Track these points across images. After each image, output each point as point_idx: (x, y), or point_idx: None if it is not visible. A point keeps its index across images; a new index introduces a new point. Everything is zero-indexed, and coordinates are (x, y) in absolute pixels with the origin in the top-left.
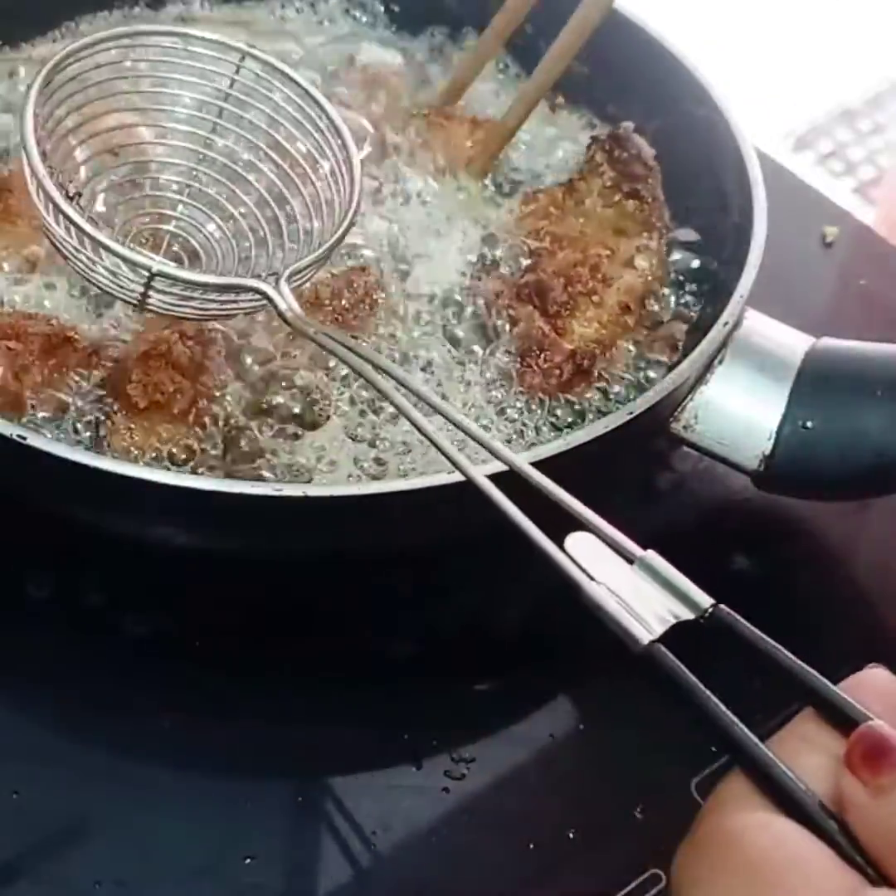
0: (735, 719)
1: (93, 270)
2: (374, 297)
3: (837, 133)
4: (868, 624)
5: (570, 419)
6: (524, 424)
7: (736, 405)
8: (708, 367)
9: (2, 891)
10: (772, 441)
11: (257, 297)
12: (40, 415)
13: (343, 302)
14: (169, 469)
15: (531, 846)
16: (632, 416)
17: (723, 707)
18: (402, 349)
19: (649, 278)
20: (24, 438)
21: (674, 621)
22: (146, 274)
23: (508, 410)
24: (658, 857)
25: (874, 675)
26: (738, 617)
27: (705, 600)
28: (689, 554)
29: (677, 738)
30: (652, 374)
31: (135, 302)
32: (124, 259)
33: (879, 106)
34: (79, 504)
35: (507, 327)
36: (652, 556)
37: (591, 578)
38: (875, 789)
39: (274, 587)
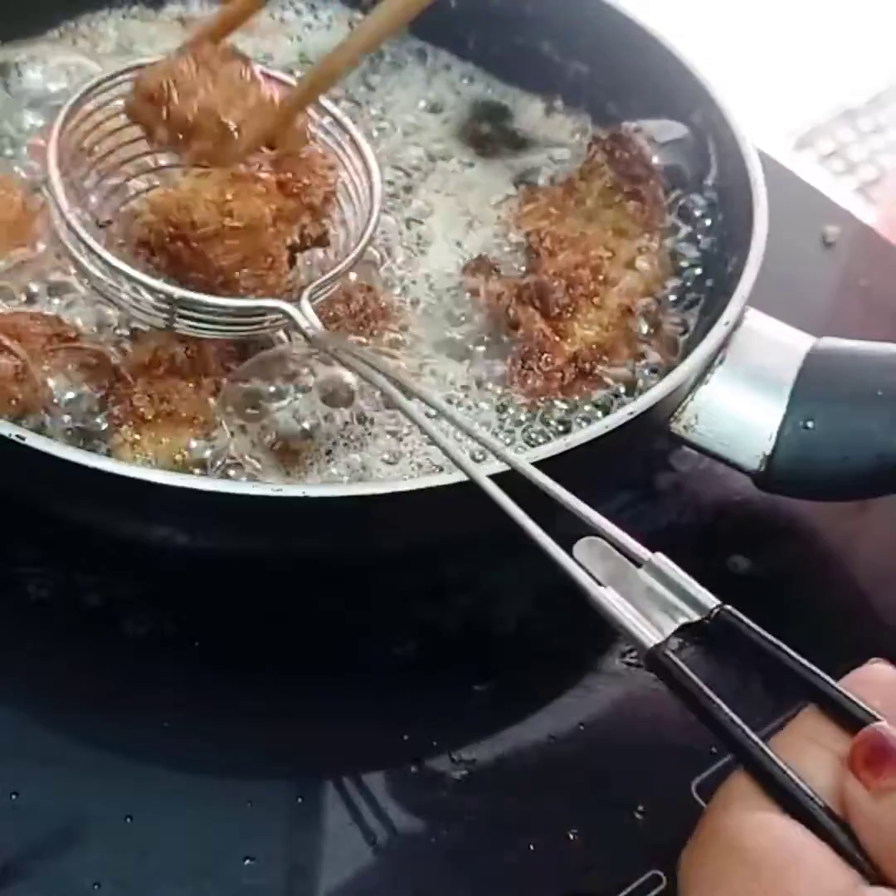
0: (738, 720)
1: (119, 296)
2: (383, 307)
3: (838, 133)
4: (868, 624)
5: (570, 420)
6: (524, 425)
7: (736, 405)
8: (708, 367)
9: (2, 891)
10: (772, 441)
11: (280, 315)
12: (40, 415)
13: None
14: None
15: (531, 846)
16: (632, 416)
17: (726, 708)
18: (402, 351)
19: (650, 279)
20: (24, 438)
21: (679, 624)
22: (169, 301)
23: (509, 412)
24: (658, 858)
25: (876, 670)
26: (743, 617)
27: (711, 601)
28: (689, 554)
29: (677, 738)
30: (652, 374)
31: (162, 326)
32: (146, 287)
33: (881, 106)
34: (79, 504)
35: (508, 329)
36: (659, 558)
37: (599, 583)
38: (877, 791)
39: (274, 587)
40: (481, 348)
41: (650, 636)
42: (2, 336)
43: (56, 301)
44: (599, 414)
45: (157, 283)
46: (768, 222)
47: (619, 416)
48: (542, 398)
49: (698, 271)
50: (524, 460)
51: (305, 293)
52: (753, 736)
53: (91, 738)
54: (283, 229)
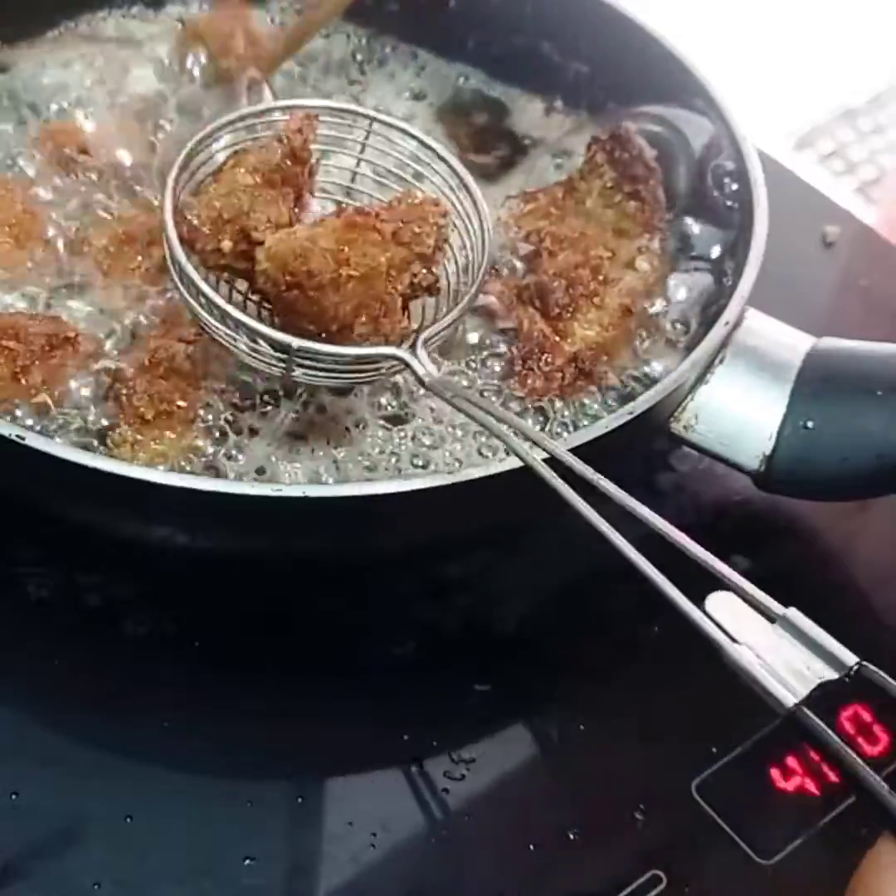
0: (881, 781)
1: (235, 345)
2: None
3: (839, 133)
4: (868, 624)
5: (570, 420)
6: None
7: (736, 405)
8: (708, 367)
9: (2, 891)
10: (772, 441)
11: (396, 361)
12: (41, 415)
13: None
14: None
15: (531, 846)
16: (632, 416)
17: (870, 769)
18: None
19: (650, 280)
20: (24, 438)
21: (818, 681)
22: (286, 350)
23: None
24: (658, 858)
25: None
26: (884, 675)
27: (850, 658)
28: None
29: (677, 738)
30: (652, 374)
31: (279, 375)
32: (265, 337)
33: (881, 106)
34: (79, 504)
35: (508, 330)
36: (794, 613)
37: (734, 640)
38: None
39: (274, 587)
40: (480, 348)
41: (789, 696)
42: (2, 337)
43: (56, 301)
44: (599, 414)
45: (277, 334)
46: (768, 222)
47: (619, 416)
48: (543, 398)
49: (698, 271)
50: (663, 522)
51: (420, 340)
52: None
53: (91, 738)
54: (396, 276)
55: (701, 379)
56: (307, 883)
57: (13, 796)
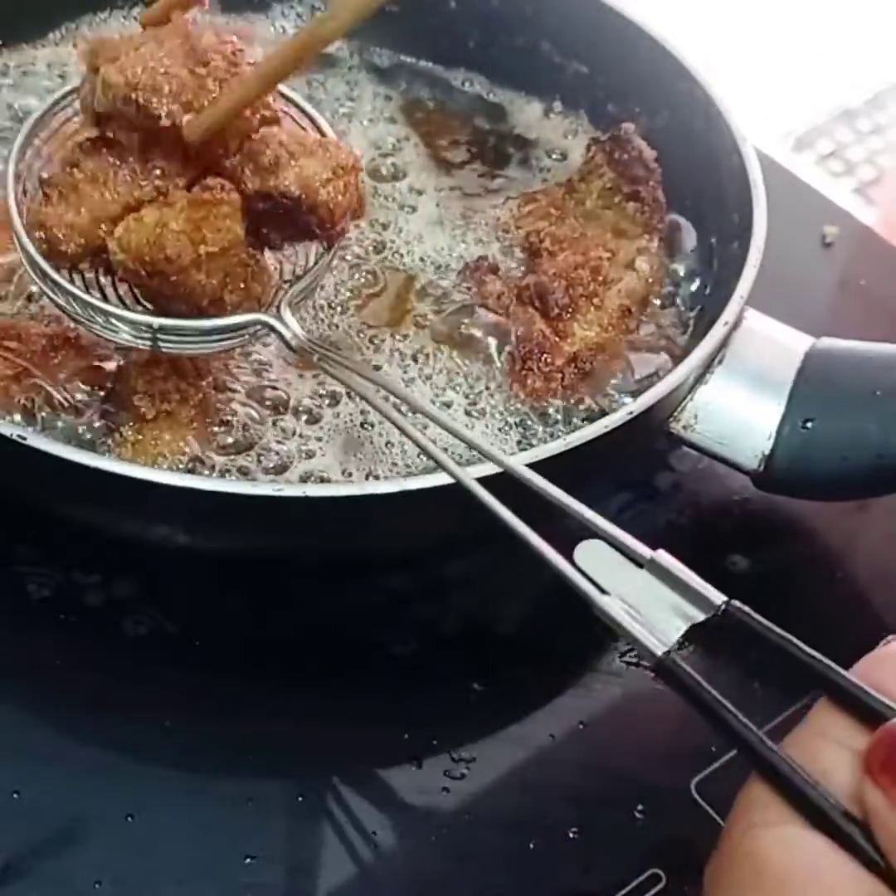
0: (751, 725)
1: (105, 327)
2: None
3: (837, 133)
4: (868, 624)
5: (570, 420)
6: (524, 426)
7: (736, 405)
8: (708, 367)
9: (2, 891)
10: (772, 441)
11: (262, 326)
12: (41, 416)
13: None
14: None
15: (531, 846)
16: (632, 416)
17: (738, 714)
18: (402, 356)
19: (650, 280)
20: (25, 438)
21: (687, 627)
22: (149, 328)
23: (509, 412)
24: (658, 857)
25: (892, 651)
26: (751, 612)
27: (717, 597)
28: (689, 554)
29: (677, 738)
30: (651, 374)
31: (147, 348)
32: (125, 320)
33: (879, 106)
34: (79, 504)
35: (508, 330)
36: (662, 555)
37: (603, 591)
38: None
39: (274, 587)
40: (480, 349)
41: (658, 644)
42: (3, 338)
43: None
44: (599, 414)
45: (137, 316)
46: (767, 222)
47: (618, 416)
48: (542, 398)
49: (697, 272)
50: (516, 462)
51: (284, 300)
52: (767, 741)
53: (91, 737)
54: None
55: (700, 379)
56: (307, 882)
57: (14, 795)
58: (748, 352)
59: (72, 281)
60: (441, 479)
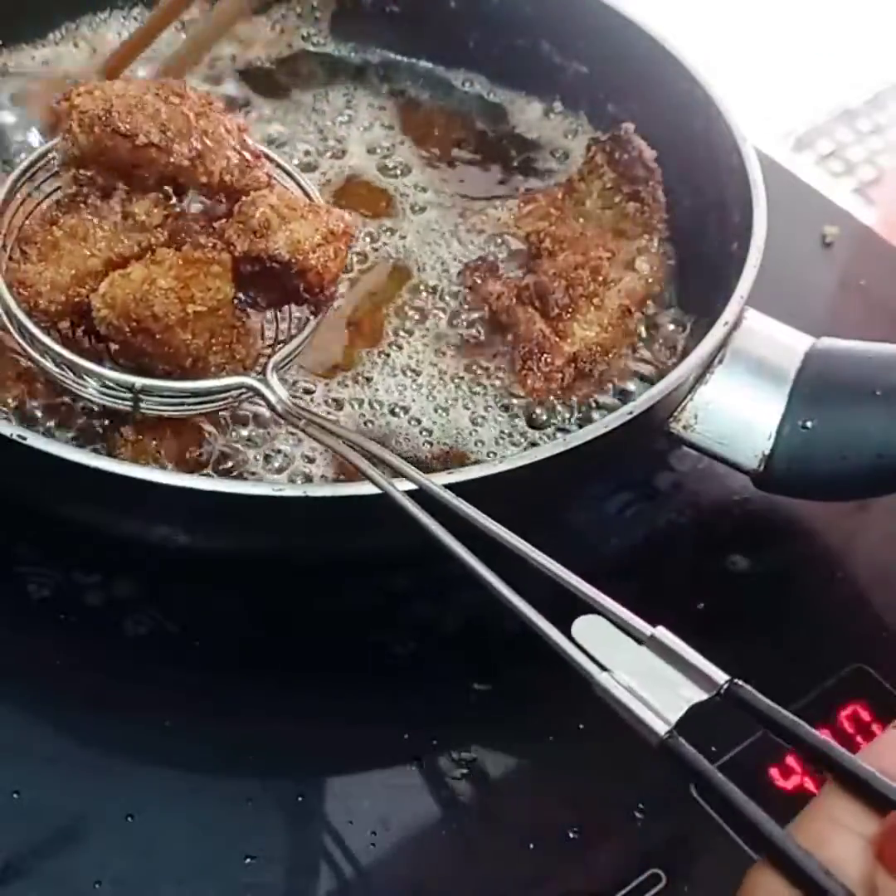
0: (758, 808)
1: (83, 390)
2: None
3: (837, 133)
4: (868, 624)
5: (570, 419)
6: (524, 426)
7: (736, 405)
8: (708, 367)
9: (2, 891)
10: (771, 441)
11: (247, 390)
12: (41, 416)
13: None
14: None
15: (531, 846)
16: (632, 416)
17: (744, 796)
18: (402, 355)
19: (650, 280)
20: (25, 438)
21: (688, 706)
22: (131, 389)
23: (508, 412)
24: (658, 857)
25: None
26: (754, 691)
27: (720, 676)
28: (689, 553)
29: None
30: (651, 374)
31: (128, 410)
32: (107, 379)
33: (879, 106)
34: (79, 504)
35: (508, 330)
36: (662, 633)
37: (602, 668)
38: None
39: (274, 587)
40: (480, 349)
41: (660, 724)
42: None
43: None
44: (599, 414)
45: (119, 375)
46: (767, 222)
47: (618, 416)
48: (542, 398)
49: (697, 272)
50: (517, 540)
51: (270, 365)
52: (775, 826)
53: (92, 737)
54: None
55: (700, 379)
56: (307, 882)
57: (14, 795)
58: (748, 352)
59: (49, 336)
60: (442, 479)
